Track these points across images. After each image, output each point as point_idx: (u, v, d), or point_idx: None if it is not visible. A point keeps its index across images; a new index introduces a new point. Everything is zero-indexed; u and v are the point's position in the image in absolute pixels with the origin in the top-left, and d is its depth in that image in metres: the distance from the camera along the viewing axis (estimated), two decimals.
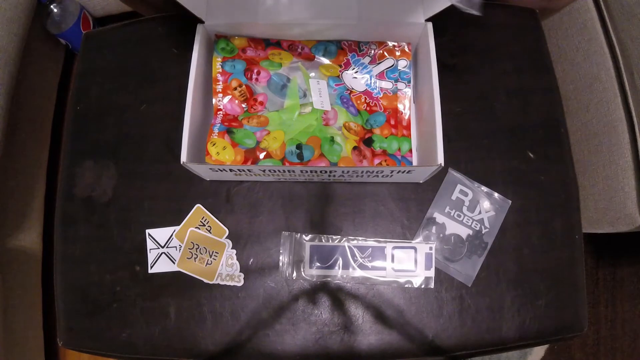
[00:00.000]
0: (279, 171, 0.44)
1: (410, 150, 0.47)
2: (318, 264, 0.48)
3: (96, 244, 0.49)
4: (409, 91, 0.48)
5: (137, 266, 0.48)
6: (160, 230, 0.49)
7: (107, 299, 0.48)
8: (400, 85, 0.49)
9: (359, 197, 0.49)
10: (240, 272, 0.48)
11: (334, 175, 0.46)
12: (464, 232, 0.48)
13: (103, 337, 0.48)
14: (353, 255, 0.48)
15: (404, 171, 0.44)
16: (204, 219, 0.49)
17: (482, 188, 0.49)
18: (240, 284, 0.48)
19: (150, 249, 0.49)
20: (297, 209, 0.49)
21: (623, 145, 0.67)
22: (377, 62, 0.49)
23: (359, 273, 0.47)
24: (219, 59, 0.47)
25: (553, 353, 0.96)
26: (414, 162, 0.48)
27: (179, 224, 0.49)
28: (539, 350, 0.96)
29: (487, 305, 0.47)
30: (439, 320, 0.47)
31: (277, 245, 0.48)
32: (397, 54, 0.49)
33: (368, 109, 0.48)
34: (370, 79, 0.49)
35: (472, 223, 0.49)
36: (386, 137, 0.47)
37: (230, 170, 0.44)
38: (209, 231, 0.49)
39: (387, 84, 0.49)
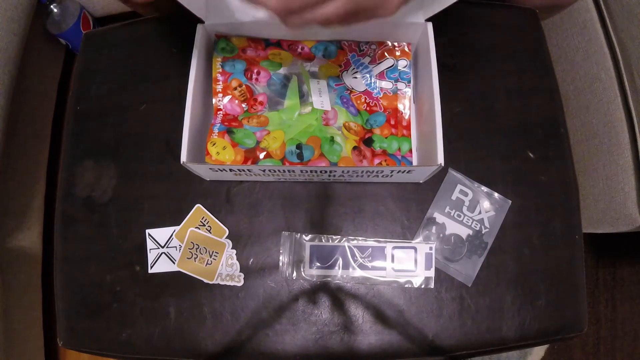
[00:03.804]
0: (279, 171, 0.44)
1: (410, 150, 0.47)
2: (318, 264, 0.48)
3: (96, 244, 0.49)
4: (409, 91, 0.48)
5: (137, 266, 0.48)
6: (160, 230, 0.49)
7: (107, 299, 0.48)
8: (400, 85, 0.49)
9: (359, 197, 0.49)
10: (240, 272, 0.48)
11: (334, 175, 0.46)
12: (464, 232, 0.48)
13: (103, 337, 0.47)
14: (353, 255, 0.48)
15: (404, 171, 0.44)
16: (204, 219, 0.49)
17: (482, 188, 0.49)
18: (240, 284, 0.48)
19: (150, 249, 0.49)
20: (297, 209, 0.49)
21: (623, 145, 0.67)
22: (377, 62, 0.49)
23: (359, 273, 0.47)
24: (219, 59, 0.47)
25: (553, 353, 0.96)
26: (414, 162, 0.48)
27: (179, 224, 0.49)
28: (539, 350, 0.96)
29: (487, 305, 0.47)
30: (439, 320, 0.47)
31: (277, 245, 0.48)
32: (397, 54, 0.49)
33: (368, 109, 0.48)
34: (370, 79, 0.49)
35: (472, 223, 0.49)
36: (386, 137, 0.47)
37: (230, 170, 0.44)
38: (209, 231, 0.49)
39: (387, 84, 0.49)
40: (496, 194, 0.49)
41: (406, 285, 0.47)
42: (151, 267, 0.48)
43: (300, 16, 0.29)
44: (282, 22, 0.31)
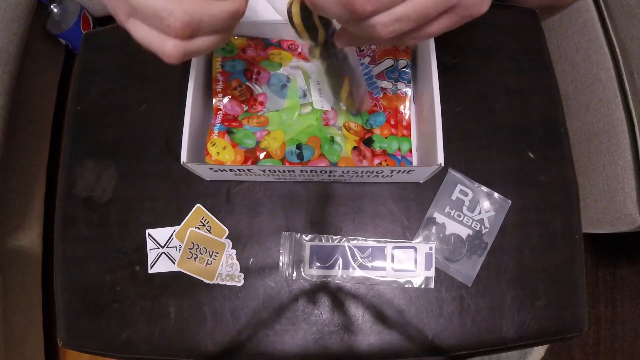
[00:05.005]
0: (279, 171, 0.44)
1: (410, 150, 0.47)
2: (318, 264, 0.48)
3: (96, 244, 0.49)
4: (409, 91, 0.48)
5: (137, 266, 0.48)
6: (160, 230, 0.49)
7: (107, 299, 0.48)
8: (400, 85, 0.49)
9: (359, 197, 0.49)
10: (240, 272, 0.48)
11: (334, 175, 0.46)
12: (464, 232, 0.48)
13: (103, 337, 0.47)
14: (353, 255, 0.48)
15: (404, 171, 0.44)
16: (204, 219, 0.49)
17: (482, 188, 0.49)
18: (240, 284, 0.48)
19: (150, 249, 0.49)
20: (297, 209, 0.49)
21: (623, 145, 0.67)
22: (377, 62, 0.49)
23: (359, 273, 0.47)
24: (219, 59, 0.47)
25: (553, 353, 0.96)
26: (414, 162, 0.48)
27: (179, 224, 0.49)
28: (539, 350, 0.96)
29: (487, 305, 0.47)
30: (439, 320, 0.47)
31: (277, 245, 0.48)
32: (397, 54, 0.49)
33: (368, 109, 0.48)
34: (371, 79, 0.49)
35: (472, 223, 0.49)
36: (386, 137, 0.47)
37: (230, 170, 0.44)
38: (209, 231, 0.49)
39: (387, 84, 0.49)
40: (496, 194, 0.49)
41: (406, 285, 0.47)
42: (151, 267, 0.48)
43: (390, 13, 0.24)
44: (366, 31, 0.25)
